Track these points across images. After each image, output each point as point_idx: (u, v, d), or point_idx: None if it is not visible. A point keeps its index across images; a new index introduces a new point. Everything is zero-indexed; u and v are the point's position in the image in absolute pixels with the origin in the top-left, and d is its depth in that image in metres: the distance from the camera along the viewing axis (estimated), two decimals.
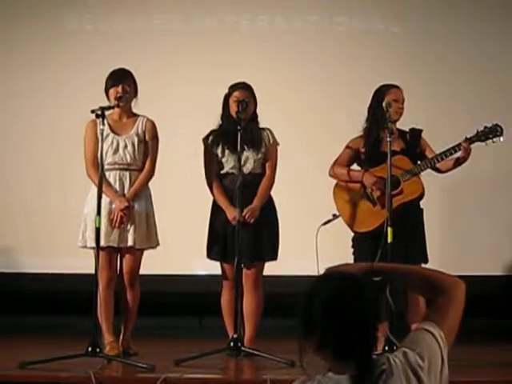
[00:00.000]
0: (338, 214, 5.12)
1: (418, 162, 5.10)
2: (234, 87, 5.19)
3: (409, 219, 4.99)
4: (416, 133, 5.19)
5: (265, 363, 4.77)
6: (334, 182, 5.24)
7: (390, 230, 4.76)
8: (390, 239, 4.75)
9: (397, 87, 5.15)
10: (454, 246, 6.28)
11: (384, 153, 4.96)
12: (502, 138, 4.99)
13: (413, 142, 5.17)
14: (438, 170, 5.14)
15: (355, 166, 5.24)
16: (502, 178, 6.38)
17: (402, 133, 5.18)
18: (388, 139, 4.83)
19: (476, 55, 6.52)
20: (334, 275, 2.15)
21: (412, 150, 5.14)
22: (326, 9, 6.64)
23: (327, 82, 6.54)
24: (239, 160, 5.02)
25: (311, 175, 6.24)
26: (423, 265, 5.01)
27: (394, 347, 4.64)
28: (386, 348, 4.71)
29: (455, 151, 4.98)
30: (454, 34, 6.53)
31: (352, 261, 5.09)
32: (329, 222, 5.07)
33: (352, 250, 5.14)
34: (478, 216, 6.41)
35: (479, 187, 6.35)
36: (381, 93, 5.12)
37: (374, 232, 4.98)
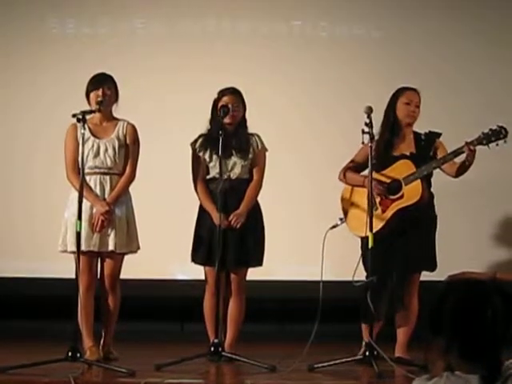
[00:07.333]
0: (344, 218, 5.10)
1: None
2: (222, 92, 5.16)
3: (411, 224, 4.95)
4: (431, 136, 5.08)
5: (245, 368, 4.77)
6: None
7: (370, 235, 4.75)
8: (370, 244, 4.74)
9: (412, 90, 5.08)
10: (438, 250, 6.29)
11: (393, 156, 4.98)
12: (506, 141, 4.79)
13: (426, 145, 5.08)
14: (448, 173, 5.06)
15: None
16: (485, 181, 6.39)
17: (417, 136, 5.12)
18: (369, 145, 4.79)
19: (458, 57, 6.55)
20: (464, 281, 2.19)
21: (424, 154, 5.04)
22: (308, 14, 6.65)
23: (311, 86, 6.55)
24: (220, 164, 5.00)
25: (298, 180, 6.26)
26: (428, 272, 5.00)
27: (375, 352, 4.64)
28: (367, 353, 4.70)
29: (455, 156, 4.88)
30: (435, 36, 6.56)
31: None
32: (336, 226, 5.02)
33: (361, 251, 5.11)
34: (460, 219, 6.42)
35: (462, 191, 6.35)
36: (395, 96, 5.10)
37: (376, 236, 4.85)
